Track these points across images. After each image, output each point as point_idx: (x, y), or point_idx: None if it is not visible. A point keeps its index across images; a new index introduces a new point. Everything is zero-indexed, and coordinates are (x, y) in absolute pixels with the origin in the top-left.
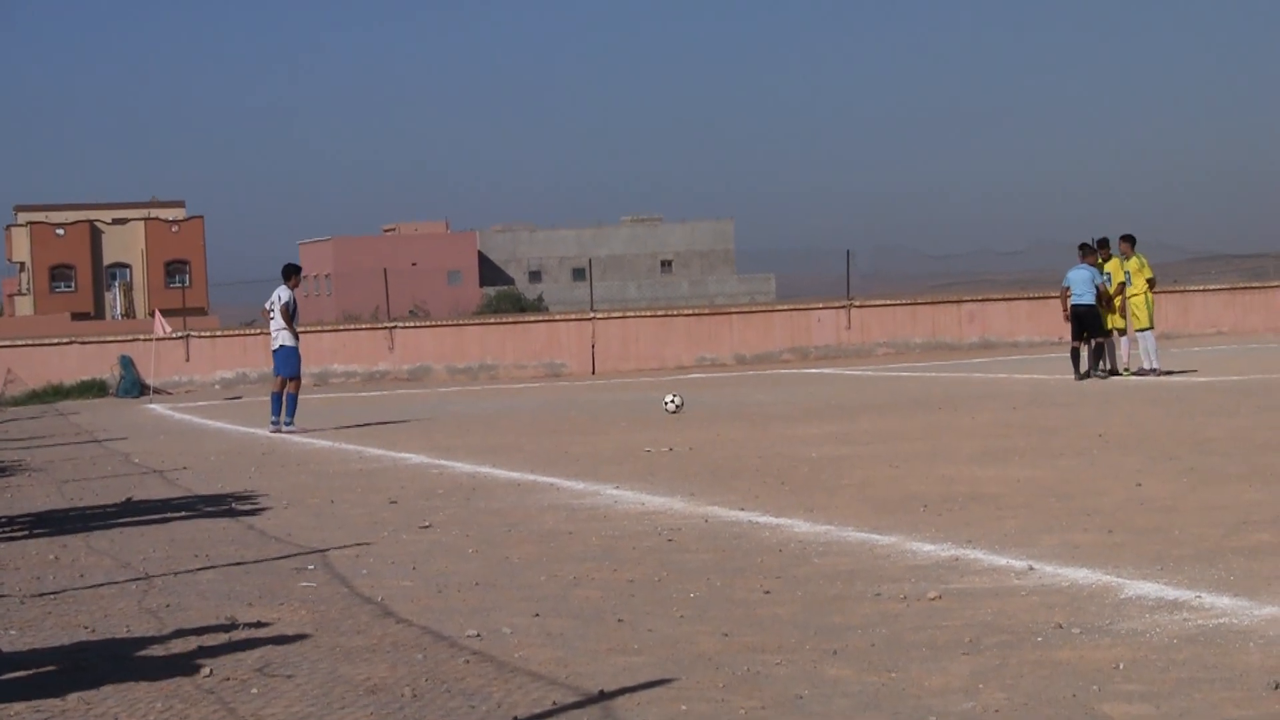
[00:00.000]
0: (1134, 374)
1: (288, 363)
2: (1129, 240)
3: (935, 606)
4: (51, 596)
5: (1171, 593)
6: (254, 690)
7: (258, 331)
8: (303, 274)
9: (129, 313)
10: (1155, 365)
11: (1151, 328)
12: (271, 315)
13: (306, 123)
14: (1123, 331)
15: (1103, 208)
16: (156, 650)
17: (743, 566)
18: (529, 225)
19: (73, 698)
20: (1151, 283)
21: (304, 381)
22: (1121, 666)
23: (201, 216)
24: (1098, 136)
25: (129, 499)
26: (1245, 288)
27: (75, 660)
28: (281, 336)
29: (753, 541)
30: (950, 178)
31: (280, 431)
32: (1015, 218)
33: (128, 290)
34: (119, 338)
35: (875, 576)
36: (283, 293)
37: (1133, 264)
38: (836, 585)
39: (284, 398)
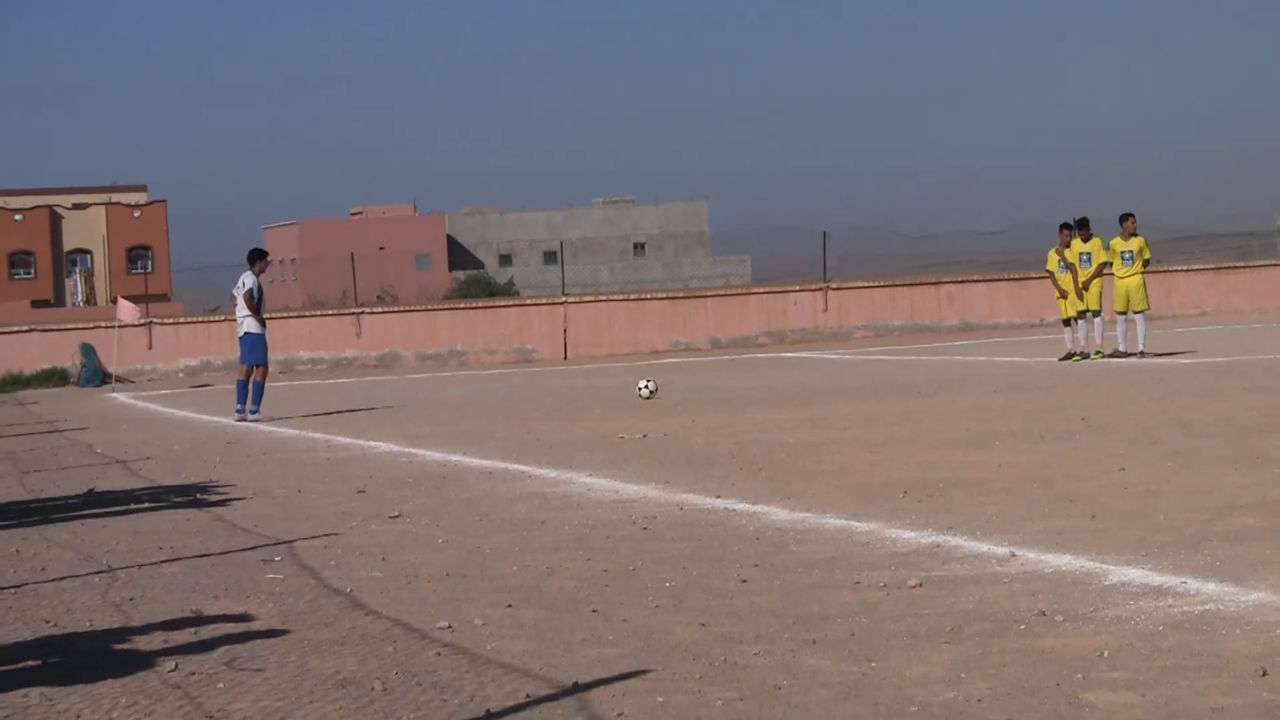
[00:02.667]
0: (1108, 355)
1: (254, 350)
2: (1085, 223)
3: (916, 595)
4: (12, 590)
5: (1156, 579)
6: (220, 685)
7: (222, 318)
8: (269, 259)
9: (90, 300)
10: (1142, 348)
11: (1147, 309)
12: (239, 303)
13: (272, 105)
14: (1096, 313)
15: (1084, 187)
16: (121, 645)
17: (719, 555)
18: (498, 208)
19: (34, 693)
20: (1147, 264)
21: (270, 369)
22: (1106, 654)
23: (164, 201)
24: (1079, 114)
25: (91, 490)
26: (1230, 267)
27: (37, 655)
28: (247, 324)
29: (729, 530)
30: (928, 156)
31: (246, 420)
32: (994, 198)
33: (89, 277)
34: (80, 325)
35: (854, 564)
36: (246, 279)
37: (1134, 243)
38: (815, 574)
39: (249, 385)
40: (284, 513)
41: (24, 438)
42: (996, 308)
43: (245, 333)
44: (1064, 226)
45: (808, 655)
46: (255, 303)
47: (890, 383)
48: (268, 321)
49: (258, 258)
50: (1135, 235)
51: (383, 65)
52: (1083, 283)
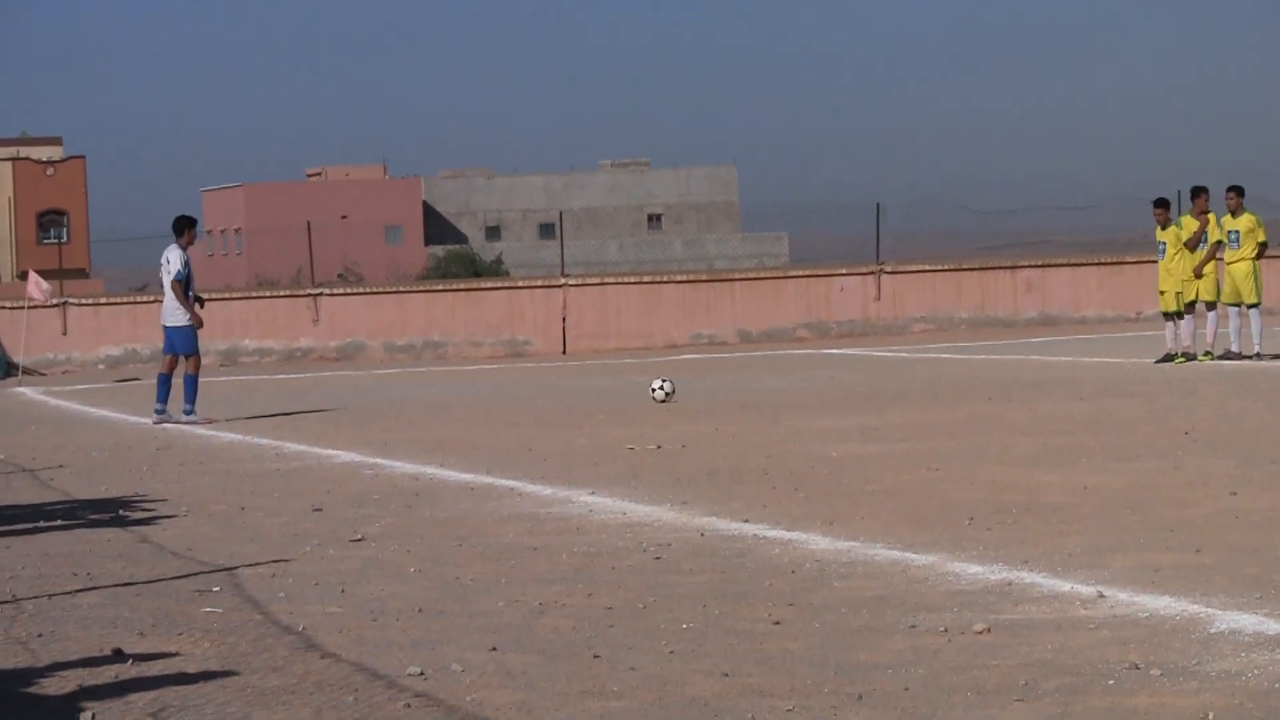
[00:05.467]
0: (1219, 358)
1: (182, 337)
2: (1238, 192)
3: (982, 642)
4: None
5: (1273, 627)
6: None
7: (152, 299)
8: (207, 230)
9: None
10: (1258, 348)
11: (1259, 303)
12: (164, 281)
13: (213, 43)
14: (1211, 305)
15: (1191, 154)
16: (27, 689)
17: (747, 591)
18: (485, 170)
19: None
20: (1263, 248)
21: (207, 360)
22: (1211, 717)
23: (83, 157)
24: (1187, 68)
25: None
26: None
27: None
28: (174, 314)
29: (759, 561)
30: (1002, 116)
31: (170, 422)
32: (1083, 166)
33: None
34: None
35: (909, 604)
36: (172, 255)
37: (1243, 222)
38: (862, 615)
39: (176, 380)
40: (224, 534)
41: None
42: (1083, 297)
43: (171, 326)
44: (1196, 192)
45: (852, 712)
46: (185, 289)
47: (954, 386)
48: (207, 302)
49: (186, 227)
50: (1245, 212)
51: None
52: (1193, 269)
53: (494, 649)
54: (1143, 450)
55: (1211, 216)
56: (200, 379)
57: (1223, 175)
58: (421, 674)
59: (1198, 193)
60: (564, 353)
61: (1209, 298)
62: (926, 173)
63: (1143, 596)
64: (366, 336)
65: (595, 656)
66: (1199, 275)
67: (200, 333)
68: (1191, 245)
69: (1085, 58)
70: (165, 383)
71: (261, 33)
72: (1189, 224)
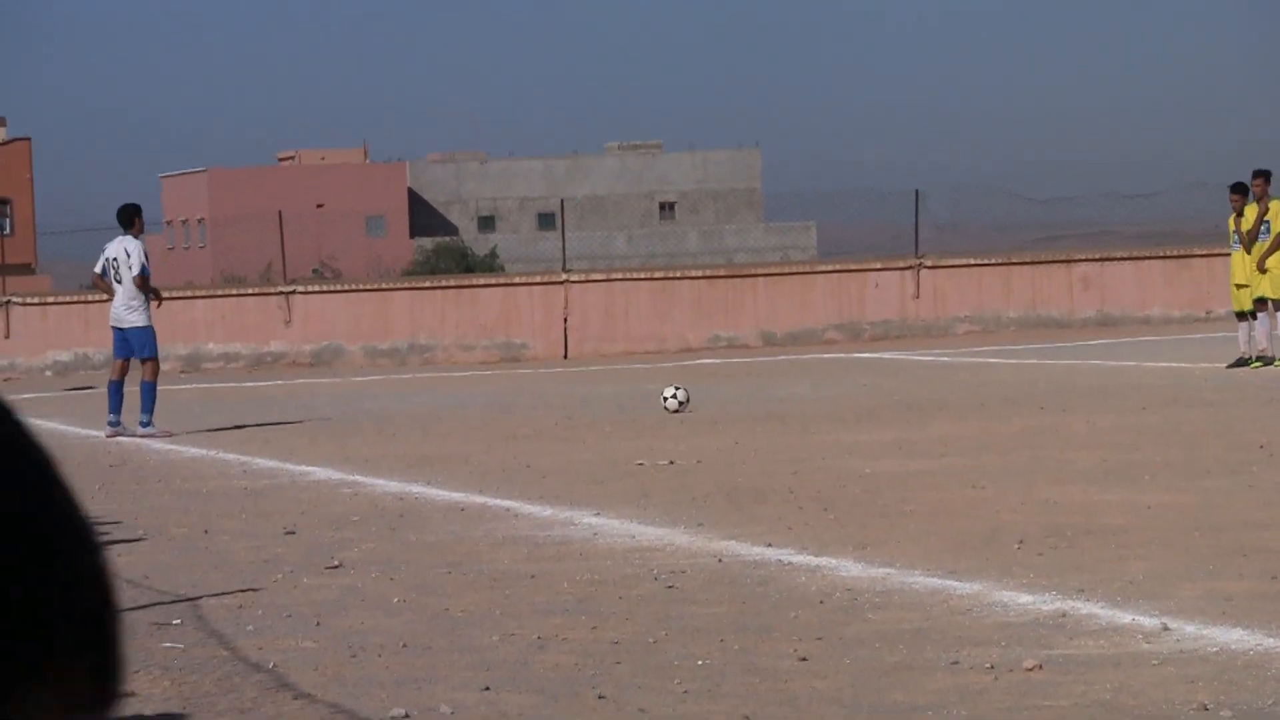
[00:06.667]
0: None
1: (141, 339)
2: (1264, 177)
3: (1034, 680)
4: None
5: None
6: None
7: (106, 300)
8: (167, 221)
9: None
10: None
11: None
12: (115, 281)
13: (175, 12)
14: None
15: (1272, 134)
16: None
17: (770, 624)
18: (479, 154)
19: None
20: None
21: (167, 366)
22: None
23: (28, 139)
24: (1270, 36)
25: None
26: None
27: None
28: (135, 314)
29: (783, 590)
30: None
31: (125, 435)
32: (1148, 147)
33: None
34: None
35: (951, 638)
36: (132, 247)
37: (1275, 208)
38: (898, 650)
39: (124, 388)
40: (185, 560)
41: None
42: (1148, 294)
43: (131, 327)
44: (1254, 177)
45: None
46: (147, 283)
47: (1003, 394)
48: (164, 301)
49: (136, 215)
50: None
51: None
52: (1257, 261)
53: (487, 689)
54: (1213, 466)
55: (1274, 204)
56: (159, 387)
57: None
58: (406, 716)
59: (1256, 177)
60: (565, 357)
61: (1276, 295)
62: (972, 155)
63: (1212, 629)
64: (345, 339)
65: (600, 697)
66: (1262, 270)
67: (159, 336)
68: (1252, 237)
69: (1150, 25)
70: (118, 391)
71: (230, 14)
72: (1250, 213)
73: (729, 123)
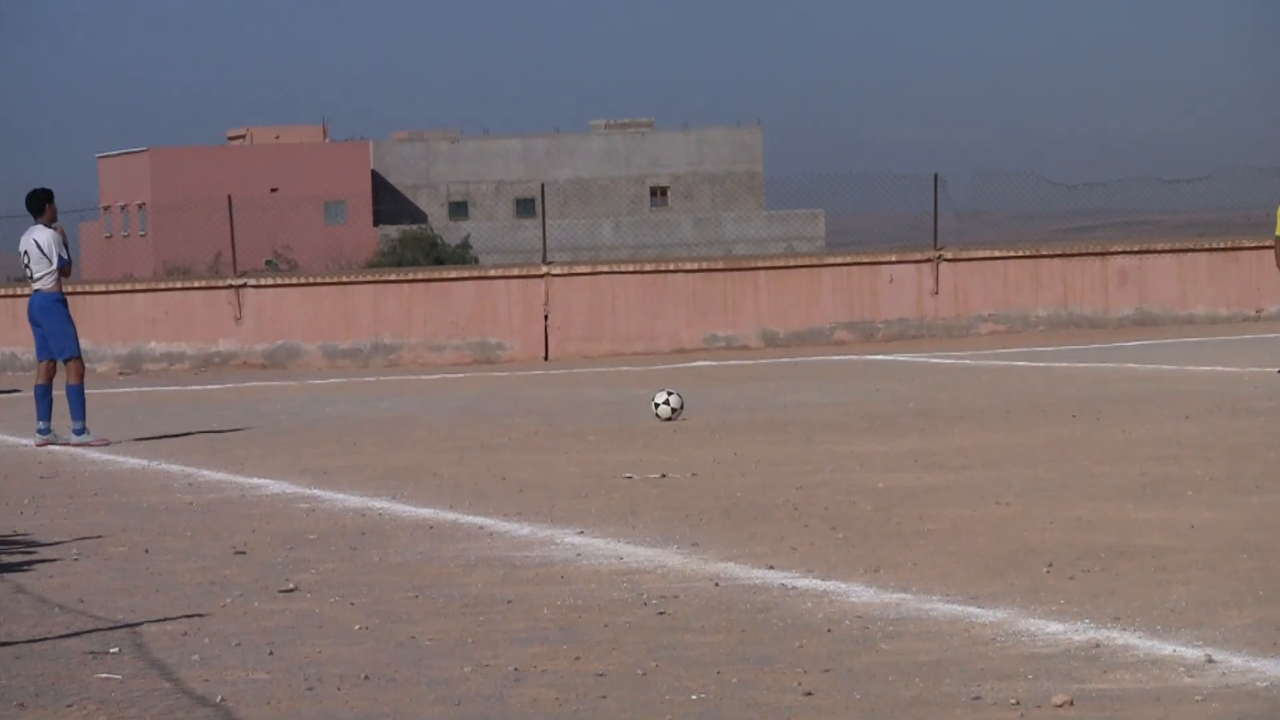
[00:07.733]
0: None
1: (60, 338)
2: None
3: (1064, 717)
4: None
5: None
6: None
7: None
8: (104, 206)
9: None
10: None
11: None
12: (29, 277)
13: None
14: None
15: None
16: None
17: (772, 654)
18: (450, 132)
19: None
20: None
21: (103, 368)
22: None
23: None
24: None
25: None
26: None
27: None
28: (48, 315)
29: (787, 616)
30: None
31: (57, 444)
32: (1190, 129)
33: None
34: None
35: (973, 671)
36: (40, 237)
37: None
38: (914, 684)
39: (52, 392)
40: (124, 582)
41: None
42: (1191, 291)
43: (49, 325)
44: None
45: None
46: (68, 271)
47: (1031, 401)
48: (108, 295)
49: (47, 201)
50: None
51: None
52: None
53: None
54: (1263, 481)
55: None
56: (93, 390)
57: None
58: None
59: None
60: (546, 359)
61: None
62: (996, 136)
63: (1261, 661)
64: (301, 338)
65: None
66: None
67: (95, 334)
68: None
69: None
70: (45, 396)
71: None
72: None
73: (727, 98)
